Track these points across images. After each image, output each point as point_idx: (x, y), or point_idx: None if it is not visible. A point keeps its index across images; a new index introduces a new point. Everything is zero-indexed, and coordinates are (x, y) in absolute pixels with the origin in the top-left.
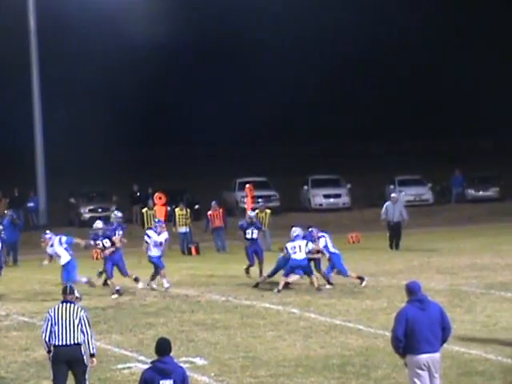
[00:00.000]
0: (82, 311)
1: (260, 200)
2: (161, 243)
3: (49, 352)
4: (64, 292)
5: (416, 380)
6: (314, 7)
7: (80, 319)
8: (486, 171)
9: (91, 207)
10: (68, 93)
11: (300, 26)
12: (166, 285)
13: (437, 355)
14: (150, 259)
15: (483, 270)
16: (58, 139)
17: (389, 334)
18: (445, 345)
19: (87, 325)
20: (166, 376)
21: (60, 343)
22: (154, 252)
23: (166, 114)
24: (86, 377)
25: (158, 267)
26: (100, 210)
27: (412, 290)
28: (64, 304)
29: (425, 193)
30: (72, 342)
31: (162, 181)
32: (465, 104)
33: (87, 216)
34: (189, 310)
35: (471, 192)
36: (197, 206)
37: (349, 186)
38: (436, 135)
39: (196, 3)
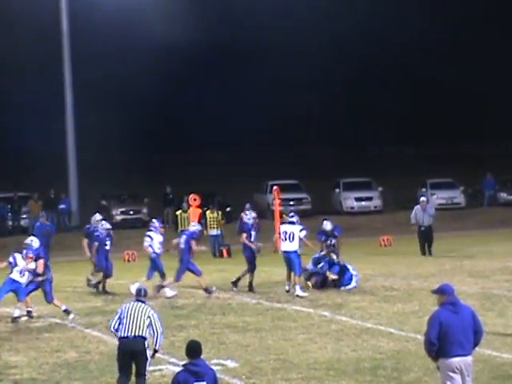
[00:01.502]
0: (152, 311)
1: (292, 203)
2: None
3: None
4: (138, 294)
5: (449, 383)
6: (331, 8)
7: (150, 317)
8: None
9: (123, 209)
10: (98, 96)
11: (328, 28)
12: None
13: (469, 358)
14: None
15: None
16: (89, 142)
17: (420, 337)
18: (477, 348)
19: (157, 323)
20: (199, 378)
21: (125, 335)
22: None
23: (197, 117)
24: (147, 369)
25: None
26: (131, 212)
27: (445, 293)
28: (136, 302)
29: (457, 196)
30: (137, 335)
31: (193, 183)
32: (496, 106)
33: (119, 218)
34: (220, 312)
35: (503, 195)
36: (228, 209)
37: (380, 188)
38: (468, 138)
39: (209, 7)
